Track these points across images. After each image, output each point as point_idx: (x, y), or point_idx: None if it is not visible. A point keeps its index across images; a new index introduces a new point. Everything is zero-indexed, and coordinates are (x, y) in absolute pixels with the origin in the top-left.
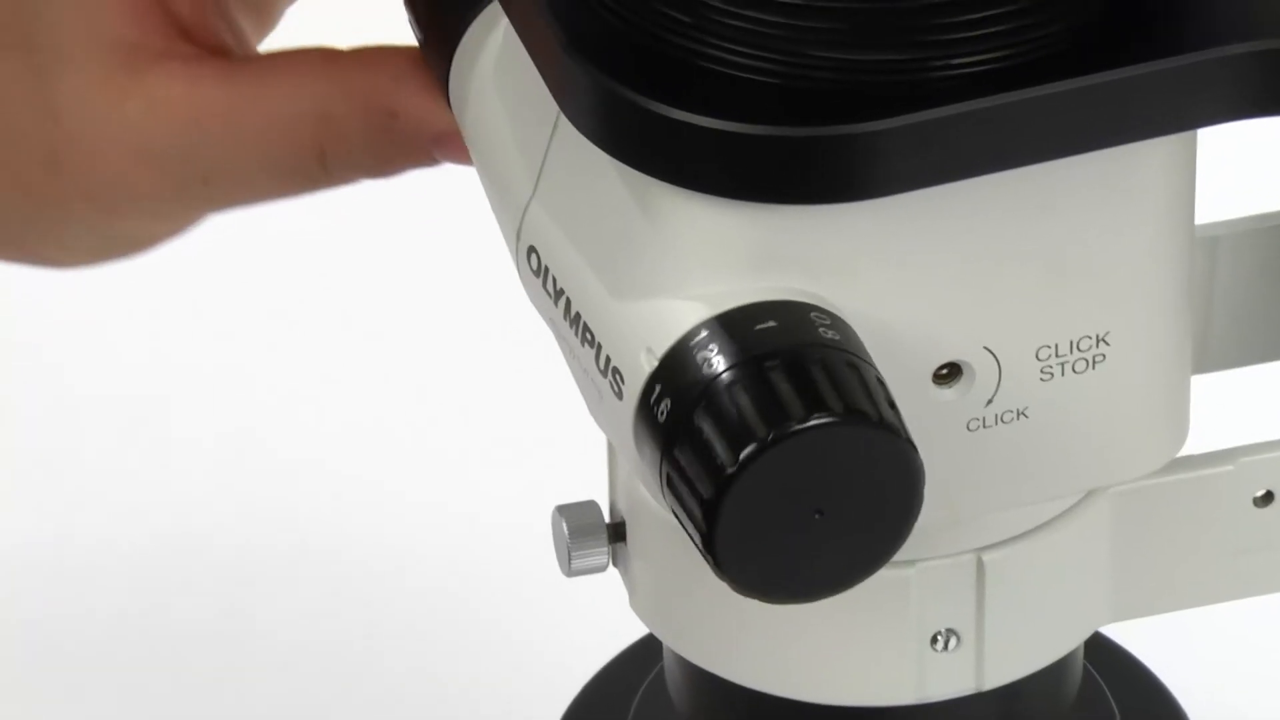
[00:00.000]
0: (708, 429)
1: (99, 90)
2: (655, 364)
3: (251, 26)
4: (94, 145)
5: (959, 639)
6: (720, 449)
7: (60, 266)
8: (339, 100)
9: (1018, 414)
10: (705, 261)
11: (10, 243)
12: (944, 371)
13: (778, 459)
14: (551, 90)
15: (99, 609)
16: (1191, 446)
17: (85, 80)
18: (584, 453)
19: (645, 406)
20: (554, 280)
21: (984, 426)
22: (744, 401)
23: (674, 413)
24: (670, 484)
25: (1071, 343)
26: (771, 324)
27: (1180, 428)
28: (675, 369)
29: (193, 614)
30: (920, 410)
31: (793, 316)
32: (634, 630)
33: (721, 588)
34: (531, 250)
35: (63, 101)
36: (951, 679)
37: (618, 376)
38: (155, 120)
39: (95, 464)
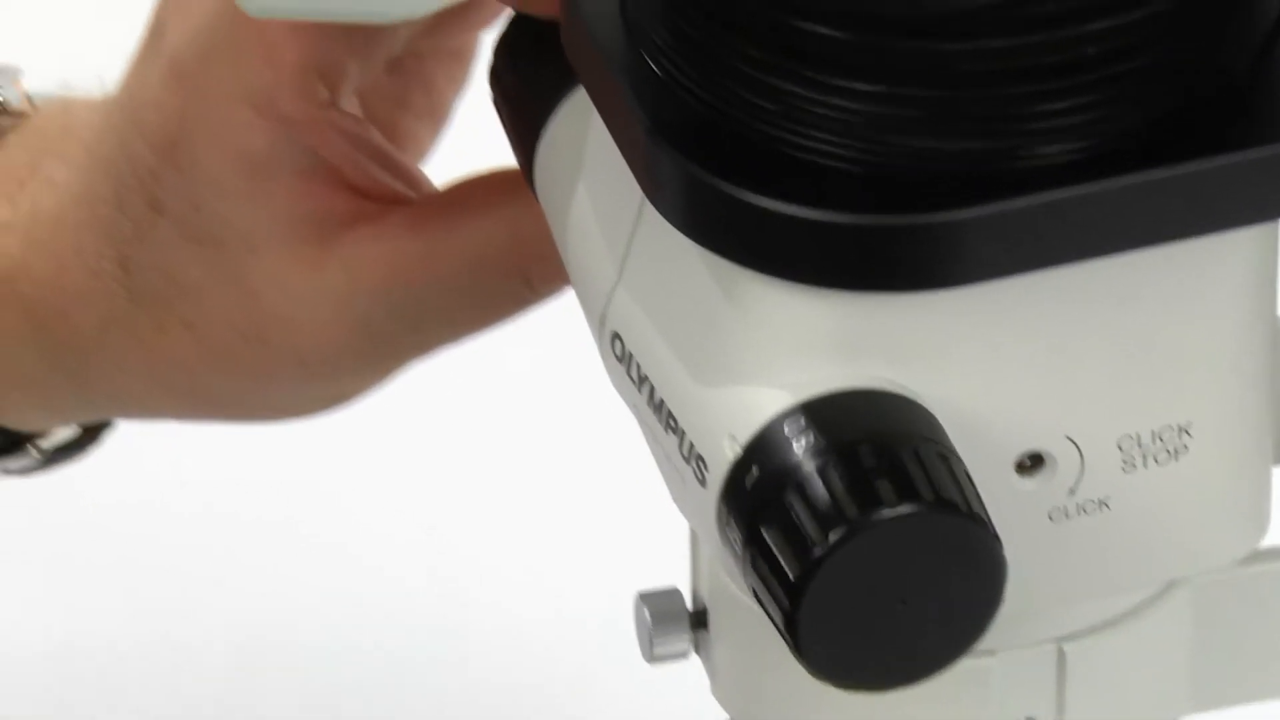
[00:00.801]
0: (798, 509)
1: (293, 268)
2: (739, 451)
3: (427, 130)
4: (299, 320)
5: None
6: (810, 529)
7: (268, 422)
8: (529, 219)
9: (1099, 504)
10: (789, 348)
11: (222, 408)
12: (1027, 462)
13: (867, 543)
14: (637, 176)
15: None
16: (1273, 537)
17: (277, 262)
18: (667, 540)
19: (728, 493)
20: (638, 367)
21: (1065, 517)
22: (835, 484)
23: (758, 497)
24: (754, 568)
25: (1153, 433)
26: (855, 412)
27: (1261, 519)
28: (759, 456)
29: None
30: (1002, 500)
31: (876, 405)
32: (715, 717)
33: (803, 675)
34: (616, 337)
35: (260, 285)
36: None
37: (701, 463)
38: (356, 284)
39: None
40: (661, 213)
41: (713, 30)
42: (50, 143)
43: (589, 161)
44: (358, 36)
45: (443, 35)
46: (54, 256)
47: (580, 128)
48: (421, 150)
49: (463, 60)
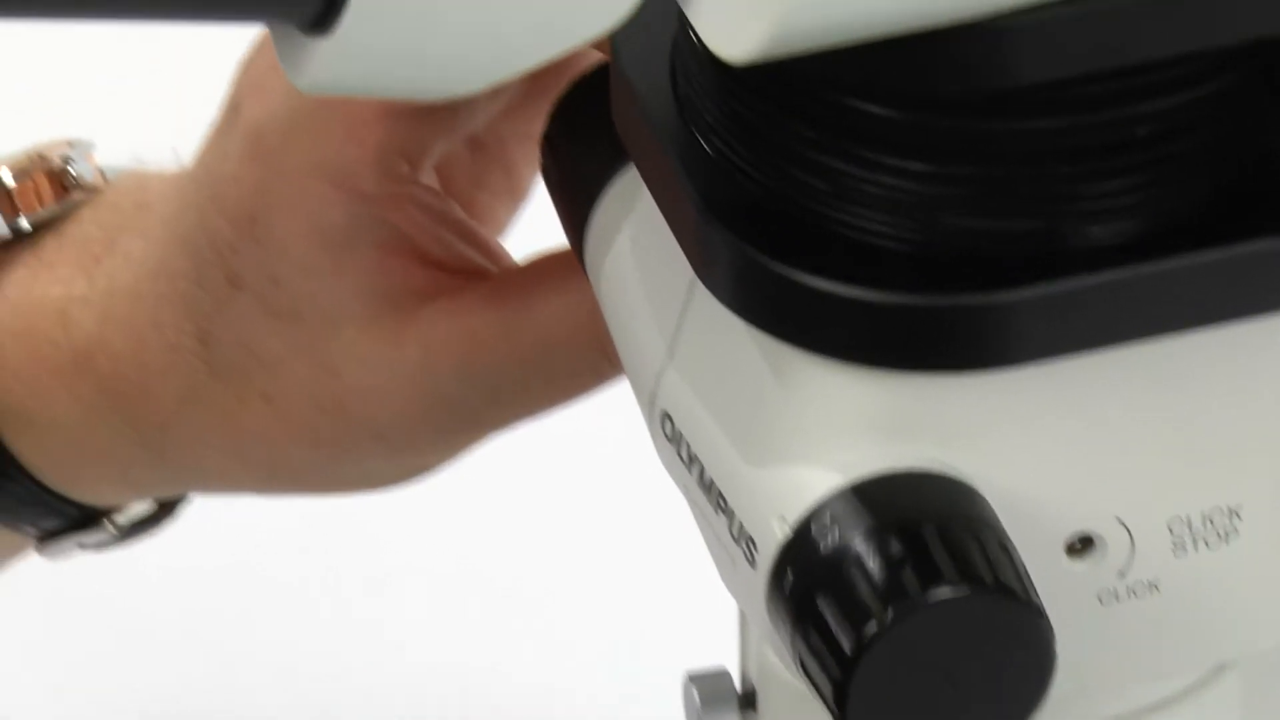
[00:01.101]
0: (830, 609)
1: (372, 343)
2: (788, 532)
3: (505, 208)
4: (378, 393)
5: None
6: (842, 631)
7: (347, 494)
8: None
9: (1149, 586)
10: (839, 428)
11: (301, 481)
12: (1077, 544)
13: (900, 638)
14: (688, 255)
15: None
16: None
17: (356, 337)
18: (716, 620)
19: (778, 575)
20: (688, 446)
21: (1115, 599)
22: (865, 579)
23: (803, 586)
24: (800, 657)
25: (1203, 515)
26: (903, 494)
27: None
28: (807, 538)
29: None
30: (1052, 582)
31: (925, 487)
32: None
33: None
34: (666, 416)
35: (339, 359)
36: None
37: (751, 544)
38: (434, 359)
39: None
40: (712, 292)
41: (764, 109)
42: (126, 218)
43: (639, 241)
44: (441, 115)
45: (523, 120)
46: (132, 332)
47: (629, 209)
48: (499, 227)
49: None
